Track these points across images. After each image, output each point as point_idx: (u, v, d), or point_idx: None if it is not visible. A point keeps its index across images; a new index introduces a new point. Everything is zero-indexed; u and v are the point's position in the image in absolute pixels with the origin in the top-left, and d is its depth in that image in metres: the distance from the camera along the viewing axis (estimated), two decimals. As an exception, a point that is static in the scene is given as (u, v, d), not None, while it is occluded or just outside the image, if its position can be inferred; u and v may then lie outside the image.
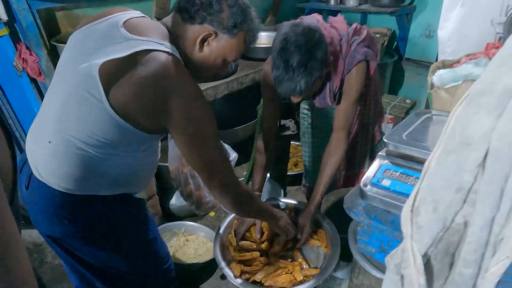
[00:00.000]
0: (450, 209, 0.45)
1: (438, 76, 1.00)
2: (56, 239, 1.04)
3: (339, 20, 1.42)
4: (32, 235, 2.25)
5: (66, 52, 0.96)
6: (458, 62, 1.14)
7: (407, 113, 2.83)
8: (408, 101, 2.94)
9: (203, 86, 2.05)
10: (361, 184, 0.82)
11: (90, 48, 0.89)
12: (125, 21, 0.92)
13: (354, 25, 1.41)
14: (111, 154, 0.93)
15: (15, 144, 2.03)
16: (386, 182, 0.81)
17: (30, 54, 1.87)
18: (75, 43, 0.96)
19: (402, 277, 0.52)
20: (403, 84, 3.34)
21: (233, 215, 1.55)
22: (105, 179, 0.97)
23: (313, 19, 1.38)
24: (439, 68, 1.10)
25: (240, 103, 2.76)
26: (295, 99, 1.28)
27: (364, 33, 1.41)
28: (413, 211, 0.50)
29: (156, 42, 0.87)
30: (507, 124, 0.38)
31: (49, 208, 0.96)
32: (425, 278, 0.48)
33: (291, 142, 2.64)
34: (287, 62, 1.12)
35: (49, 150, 0.94)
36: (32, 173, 0.98)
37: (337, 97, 1.41)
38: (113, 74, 0.84)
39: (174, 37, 0.95)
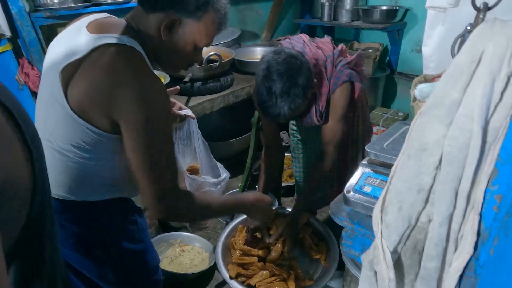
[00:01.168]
0: (413, 208, 0.51)
1: (419, 90, 1.06)
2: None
3: (325, 41, 1.48)
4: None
5: (44, 61, 0.99)
6: (438, 76, 1.21)
7: (399, 125, 2.90)
8: (400, 113, 3.01)
9: (200, 99, 2.12)
10: (345, 191, 0.87)
11: (57, 54, 0.90)
12: (89, 23, 0.92)
13: (340, 46, 1.48)
14: (90, 158, 0.92)
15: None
16: (367, 189, 0.86)
17: (32, 69, 1.94)
18: (49, 51, 0.98)
19: (375, 273, 0.57)
20: (395, 97, 3.42)
21: (239, 219, 1.60)
22: (92, 184, 0.98)
23: (300, 40, 1.46)
24: (420, 82, 1.16)
25: (236, 116, 2.82)
26: (281, 121, 1.33)
27: (351, 57, 1.46)
28: (382, 211, 0.55)
29: (112, 37, 0.87)
30: (456, 131, 0.43)
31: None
32: (394, 272, 0.52)
33: (286, 154, 2.69)
34: (270, 90, 1.18)
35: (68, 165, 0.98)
36: None
37: (324, 117, 1.46)
38: (71, 75, 0.86)
39: (137, 30, 0.93)
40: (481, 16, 0.45)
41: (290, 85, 1.17)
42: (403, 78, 3.26)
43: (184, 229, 2.29)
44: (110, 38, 0.86)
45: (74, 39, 0.89)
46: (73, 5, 1.86)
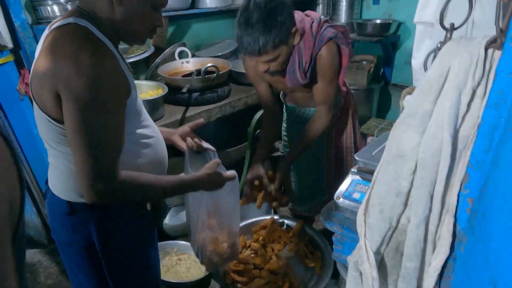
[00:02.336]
0: (393, 210, 0.54)
1: (407, 102, 1.11)
2: (68, 248, 1.09)
3: (314, 12, 1.51)
4: (26, 255, 2.28)
5: None
6: (427, 88, 1.26)
7: (393, 135, 2.95)
8: (394, 124, 3.07)
9: (197, 109, 2.16)
10: (335, 197, 0.90)
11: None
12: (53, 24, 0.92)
13: (327, 18, 1.51)
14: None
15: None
16: (356, 195, 0.90)
17: (34, 79, 1.98)
18: None
19: (360, 273, 0.60)
20: (390, 108, 3.48)
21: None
22: None
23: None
24: (409, 94, 1.21)
25: (232, 126, 2.86)
26: (260, 66, 1.32)
27: (339, 25, 1.49)
28: (365, 214, 0.58)
29: (59, 22, 0.87)
30: (428, 139, 0.47)
31: (56, 216, 1.04)
32: (377, 272, 0.56)
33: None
34: (248, 20, 1.19)
35: (50, 162, 1.02)
36: (47, 184, 1.06)
37: (309, 76, 1.45)
38: (32, 71, 0.88)
39: (87, 10, 0.90)
40: (448, 35, 0.50)
41: (267, 16, 1.18)
42: (397, 89, 3.33)
43: (181, 237, 2.31)
44: (57, 24, 0.87)
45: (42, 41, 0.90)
46: (74, 18, 1.92)
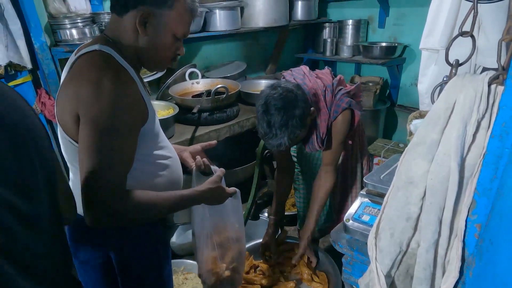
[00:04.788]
0: (404, 235, 0.56)
1: (414, 125, 1.13)
2: (85, 264, 1.11)
3: (324, 72, 1.59)
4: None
5: None
6: (433, 112, 1.29)
7: (400, 156, 2.96)
8: (401, 145, 3.08)
9: (207, 128, 2.21)
10: (344, 220, 0.92)
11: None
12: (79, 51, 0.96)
13: (338, 77, 1.58)
14: None
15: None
16: (365, 218, 0.91)
17: (49, 98, 2.05)
18: None
19: (371, 296, 0.61)
20: (396, 129, 3.50)
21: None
22: None
23: (300, 71, 1.56)
24: (416, 118, 1.24)
25: (240, 145, 2.90)
26: (283, 150, 1.42)
27: (350, 87, 1.56)
28: (376, 237, 0.60)
29: (85, 49, 0.92)
30: (437, 167, 0.50)
31: (75, 233, 1.07)
32: (388, 295, 0.57)
33: (289, 183, 2.74)
34: (269, 123, 1.28)
35: (71, 180, 1.06)
36: None
37: (325, 142, 1.54)
38: (58, 95, 0.93)
39: (112, 38, 0.95)
40: (453, 70, 0.53)
41: (288, 118, 1.27)
42: (403, 111, 3.35)
43: (188, 256, 2.31)
44: (83, 50, 0.92)
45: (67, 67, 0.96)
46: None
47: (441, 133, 0.49)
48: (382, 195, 0.95)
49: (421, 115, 1.31)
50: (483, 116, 0.47)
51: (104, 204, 0.85)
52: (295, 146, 1.94)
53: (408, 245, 0.57)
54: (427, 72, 1.49)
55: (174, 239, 2.29)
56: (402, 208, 0.55)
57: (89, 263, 1.10)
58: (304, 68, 1.59)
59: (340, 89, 1.51)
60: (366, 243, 0.92)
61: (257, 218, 2.36)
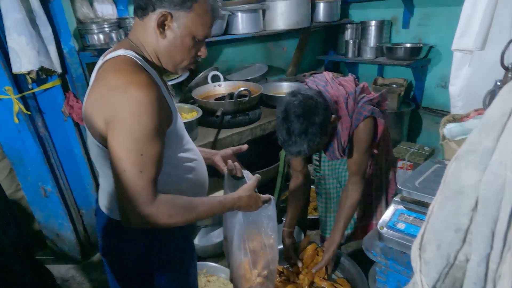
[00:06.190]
0: (452, 247, 0.54)
1: (448, 130, 1.10)
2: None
3: (348, 79, 1.56)
4: (60, 270, 2.35)
5: None
6: (467, 116, 1.25)
7: (425, 160, 2.88)
8: (426, 148, 3.00)
9: (229, 131, 2.21)
10: (378, 227, 0.90)
11: None
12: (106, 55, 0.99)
13: (362, 84, 1.55)
14: None
15: (55, 182, 2.19)
16: (401, 226, 0.89)
17: (77, 101, 2.10)
18: None
19: (414, 309, 0.59)
20: (421, 132, 3.42)
21: None
22: None
23: (323, 78, 1.54)
24: (449, 122, 1.20)
25: (262, 148, 2.90)
26: (302, 157, 1.40)
27: (374, 95, 1.52)
28: (421, 248, 0.58)
29: (110, 54, 0.94)
30: (490, 177, 0.47)
31: (105, 233, 1.09)
32: (433, 309, 0.55)
33: (311, 187, 2.71)
34: (289, 130, 1.26)
35: (100, 182, 1.09)
36: (98, 203, 1.13)
37: (347, 151, 1.51)
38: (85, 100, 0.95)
39: (135, 42, 0.97)
40: (509, 74, 0.51)
41: (307, 125, 1.25)
42: (428, 113, 3.27)
43: (210, 258, 2.31)
44: (109, 55, 0.94)
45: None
46: (118, 45, 2.04)
47: (496, 140, 0.47)
48: (418, 202, 0.92)
49: (455, 119, 1.27)
50: (544, 123, 0.44)
51: (135, 208, 0.87)
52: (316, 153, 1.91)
53: (455, 258, 0.54)
54: (459, 74, 1.44)
55: (196, 241, 2.30)
56: (451, 219, 0.53)
57: (115, 263, 1.12)
58: (327, 75, 1.57)
59: (363, 97, 1.48)
60: (402, 252, 0.89)
61: (280, 221, 2.34)
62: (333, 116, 1.36)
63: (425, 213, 0.91)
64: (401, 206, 0.95)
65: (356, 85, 1.53)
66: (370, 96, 1.50)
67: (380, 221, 0.91)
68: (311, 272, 1.59)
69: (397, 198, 0.98)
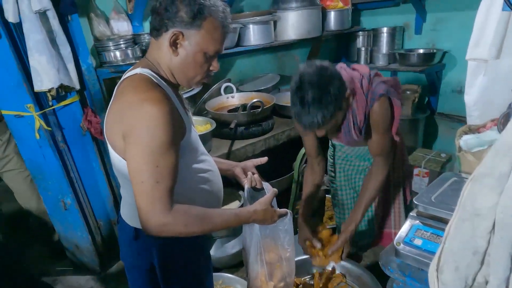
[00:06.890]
0: (470, 269, 0.53)
1: (464, 142, 1.09)
2: (133, 270, 1.18)
3: (361, 66, 1.54)
4: (79, 281, 2.40)
5: None
6: (484, 126, 1.23)
7: (442, 167, 2.83)
8: (443, 155, 2.94)
9: (243, 142, 2.23)
10: (394, 243, 0.89)
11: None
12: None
13: (375, 71, 1.53)
14: None
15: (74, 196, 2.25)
16: (418, 242, 0.88)
17: (95, 117, 2.16)
18: None
19: (433, 330, 0.59)
20: (437, 138, 3.36)
21: None
22: None
23: (337, 67, 1.53)
24: (465, 133, 1.19)
25: (276, 158, 2.90)
26: (318, 133, 1.37)
27: (387, 78, 1.50)
28: (438, 270, 0.58)
29: (129, 73, 1.01)
30: (507, 201, 0.47)
31: (125, 240, 1.14)
32: (453, 331, 0.54)
33: (326, 196, 2.70)
34: (303, 99, 1.23)
35: (121, 193, 1.13)
36: (119, 212, 1.18)
37: (364, 132, 1.47)
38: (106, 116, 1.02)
39: (151, 60, 1.03)
40: (524, 98, 0.50)
41: (322, 93, 1.21)
42: (444, 119, 3.22)
43: (226, 270, 2.32)
44: (128, 74, 1.01)
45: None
46: (134, 61, 2.09)
47: (511, 165, 0.47)
48: (434, 218, 0.92)
49: (471, 129, 1.26)
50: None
51: (153, 217, 0.91)
52: (330, 162, 1.90)
53: (473, 280, 0.54)
54: (475, 83, 1.42)
55: (212, 252, 2.31)
56: (468, 241, 0.53)
57: (135, 268, 1.16)
58: (342, 64, 1.55)
59: (377, 79, 1.46)
60: (419, 269, 0.88)
61: (295, 232, 2.33)
62: (347, 92, 1.32)
63: (442, 229, 0.90)
64: (417, 222, 0.94)
65: (370, 70, 1.52)
66: (384, 79, 1.49)
67: (397, 237, 0.91)
68: (327, 254, 1.56)
69: (413, 213, 0.97)
